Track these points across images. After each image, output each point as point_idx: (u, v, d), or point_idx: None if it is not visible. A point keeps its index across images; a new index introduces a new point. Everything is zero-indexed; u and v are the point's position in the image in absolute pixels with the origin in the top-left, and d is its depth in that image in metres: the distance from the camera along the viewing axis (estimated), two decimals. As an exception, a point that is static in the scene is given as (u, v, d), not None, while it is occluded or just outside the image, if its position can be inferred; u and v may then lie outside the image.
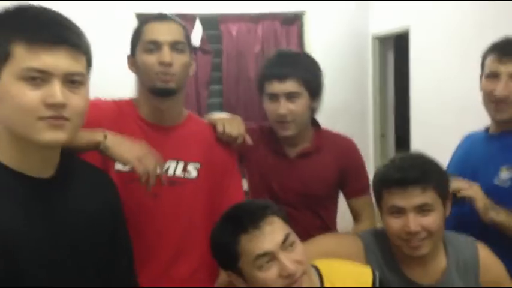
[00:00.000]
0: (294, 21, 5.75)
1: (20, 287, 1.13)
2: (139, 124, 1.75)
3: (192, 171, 1.76)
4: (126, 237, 1.46)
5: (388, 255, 1.68)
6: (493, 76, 1.94)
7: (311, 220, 2.08)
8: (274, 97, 1.99)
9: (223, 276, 1.63)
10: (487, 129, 2.10)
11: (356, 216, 2.17)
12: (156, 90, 1.69)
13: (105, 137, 1.50)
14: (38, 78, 1.12)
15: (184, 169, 1.75)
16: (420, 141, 5.03)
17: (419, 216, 1.56)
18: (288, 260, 1.37)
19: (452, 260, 1.67)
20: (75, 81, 1.17)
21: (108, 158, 1.52)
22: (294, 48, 5.65)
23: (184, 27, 1.77)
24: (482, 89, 2.01)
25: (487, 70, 1.98)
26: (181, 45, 1.71)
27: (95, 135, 1.50)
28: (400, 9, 5.40)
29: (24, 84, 1.12)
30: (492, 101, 1.95)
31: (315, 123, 2.17)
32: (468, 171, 2.00)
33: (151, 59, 1.68)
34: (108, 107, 1.75)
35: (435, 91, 4.80)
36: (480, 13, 4.12)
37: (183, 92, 1.78)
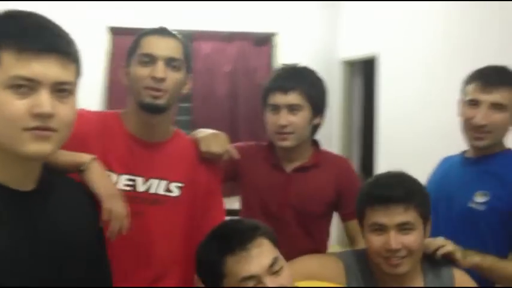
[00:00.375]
0: (265, 41, 5.82)
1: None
2: (124, 139, 1.70)
3: (175, 190, 1.72)
4: (104, 252, 1.42)
5: (368, 275, 1.68)
6: (474, 104, 1.95)
7: (302, 239, 2.05)
8: (276, 108, 1.99)
9: None
10: (463, 153, 2.12)
11: (353, 239, 2.11)
12: (143, 105, 1.64)
13: (94, 159, 1.45)
14: (26, 86, 1.07)
15: (167, 188, 1.71)
16: (385, 167, 5.03)
17: (401, 234, 1.58)
18: (273, 285, 1.35)
19: (429, 280, 1.68)
20: (64, 90, 1.12)
21: (83, 180, 1.44)
22: (264, 69, 5.71)
23: (184, 45, 1.71)
24: (461, 115, 2.03)
25: (468, 97, 1.98)
26: (177, 63, 1.66)
27: (82, 156, 1.45)
28: (369, 34, 5.52)
29: (10, 93, 1.06)
30: (471, 129, 1.97)
31: (315, 144, 2.15)
32: (444, 194, 2.02)
33: (143, 72, 1.63)
34: (93, 119, 1.70)
35: (402, 116, 4.88)
36: (449, 39, 4.21)
37: (172, 110, 1.73)
